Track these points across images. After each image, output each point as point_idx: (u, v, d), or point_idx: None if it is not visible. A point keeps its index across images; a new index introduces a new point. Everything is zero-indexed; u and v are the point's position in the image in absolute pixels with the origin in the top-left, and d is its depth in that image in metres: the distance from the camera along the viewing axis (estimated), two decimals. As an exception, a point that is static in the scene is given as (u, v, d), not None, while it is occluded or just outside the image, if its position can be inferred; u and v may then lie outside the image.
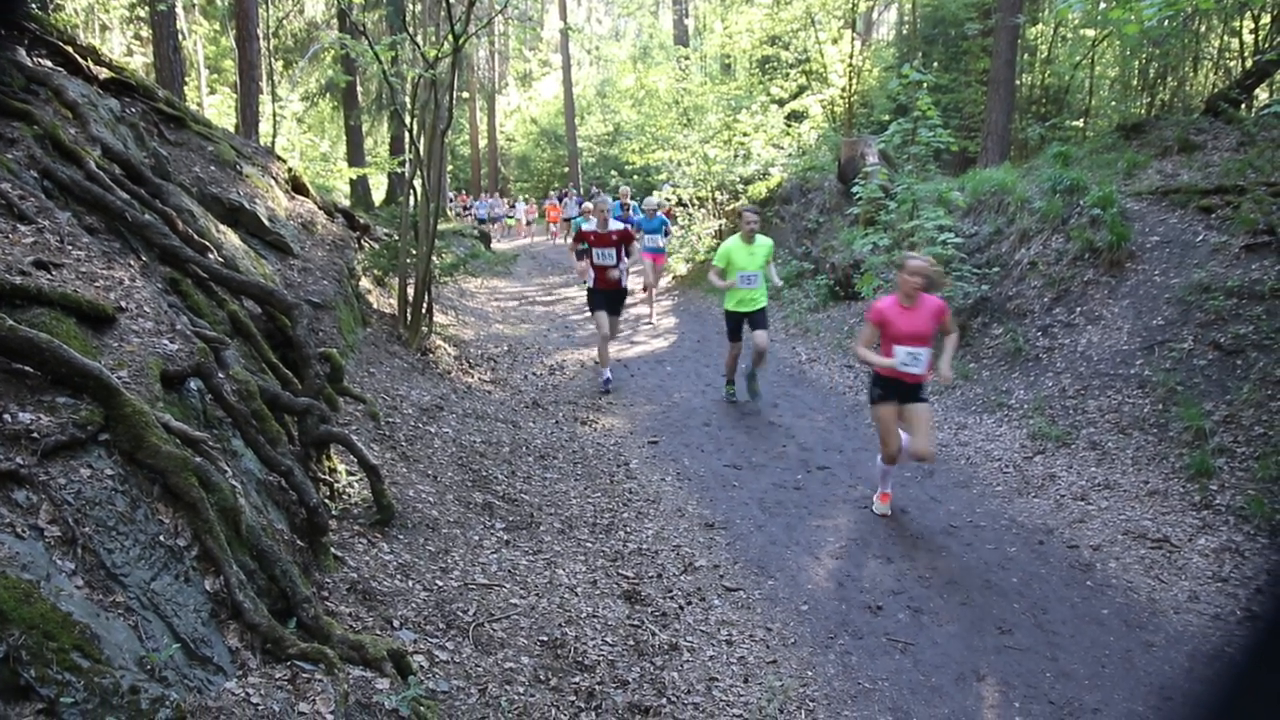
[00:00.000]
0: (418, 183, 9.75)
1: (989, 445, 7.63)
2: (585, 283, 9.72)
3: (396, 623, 3.91)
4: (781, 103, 19.76)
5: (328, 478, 4.96)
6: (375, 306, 9.78)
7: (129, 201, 4.76)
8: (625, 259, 9.56)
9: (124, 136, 5.98)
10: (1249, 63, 12.21)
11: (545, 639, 4.22)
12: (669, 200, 20.28)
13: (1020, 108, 16.89)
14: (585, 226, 9.59)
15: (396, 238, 10.88)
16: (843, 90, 19.73)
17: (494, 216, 33.99)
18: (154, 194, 5.32)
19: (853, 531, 6.10)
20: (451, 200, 36.20)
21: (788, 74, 21.57)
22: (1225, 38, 14.51)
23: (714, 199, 18.80)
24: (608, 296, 9.58)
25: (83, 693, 2.14)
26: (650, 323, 14.19)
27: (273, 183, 8.87)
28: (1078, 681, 4.30)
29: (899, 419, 6.03)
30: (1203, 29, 14.35)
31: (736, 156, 18.49)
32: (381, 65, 9.77)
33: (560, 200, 32.07)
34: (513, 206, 36.29)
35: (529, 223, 33.45)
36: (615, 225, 9.52)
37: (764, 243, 8.68)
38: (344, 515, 4.79)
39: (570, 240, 9.56)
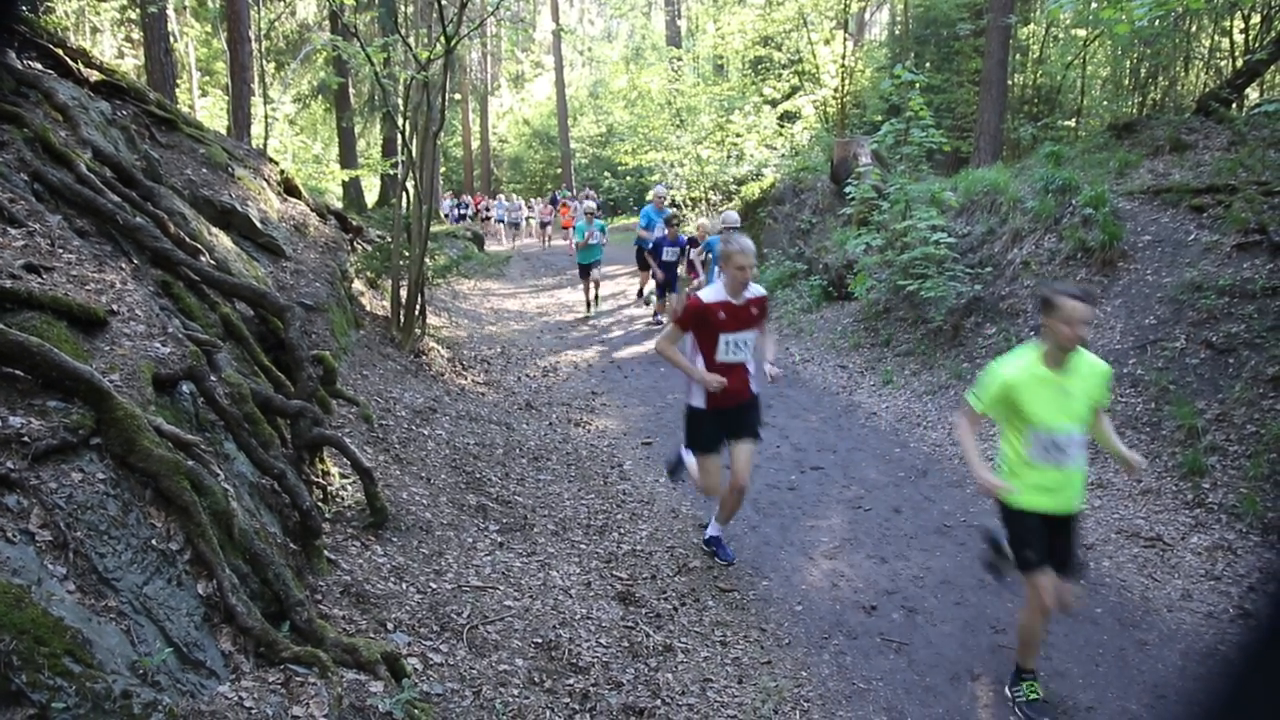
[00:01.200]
0: (410, 184, 9.74)
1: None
2: (691, 399, 5.46)
3: (390, 625, 3.90)
4: (774, 103, 19.82)
5: (321, 481, 4.95)
6: (368, 309, 9.77)
7: (120, 204, 4.74)
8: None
9: (115, 139, 5.96)
10: (1239, 62, 12.26)
11: (539, 641, 4.22)
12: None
13: (1012, 108, 16.93)
14: (708, 297, 5.15)
15: (389, 239, 10.87)
16: (835, 91, 19.79)
17: (514, 220, 31.02)
18: (145, 197, 5.30)
19: (846, 532, 6.11)
20: (467, 204, 34.57)
21: (780, 75, 21.62)
22: (1216, 37, 14.58)
23: (707, 200, 18.82)
24: (730, 420, 5.32)
25: (74, 698, 2.13)
26: None
27: (265, 185, 8.85)
28: (1072, 680, 4.31)
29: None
30: (1193, 29, 14.40)
31: (729, 157, 18.56)
32: (374, 67, 9.77)
33: (572, 201, 28.79)
34: (531, 208, 33.16)
35: (545, 225, 30.32)
36: (755, 290, 5.17)
37: (1093, 367, 4.02)
38: (337, 518, 4.78)
39: (668, 319, 5.56)
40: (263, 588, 3.27)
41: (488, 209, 33.67)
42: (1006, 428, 4.15)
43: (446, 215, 31.44)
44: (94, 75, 6.65)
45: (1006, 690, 4.17)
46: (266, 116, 18.20)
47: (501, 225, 31.03)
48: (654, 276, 12.79)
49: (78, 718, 2.12)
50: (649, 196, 13.18)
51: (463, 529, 5.33)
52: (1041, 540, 3.97)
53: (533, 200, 36.00)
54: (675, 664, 4.34)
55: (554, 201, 31.76)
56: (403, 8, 25.22)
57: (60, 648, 2.20)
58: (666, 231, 12.16)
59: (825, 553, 5.78)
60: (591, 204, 15.91)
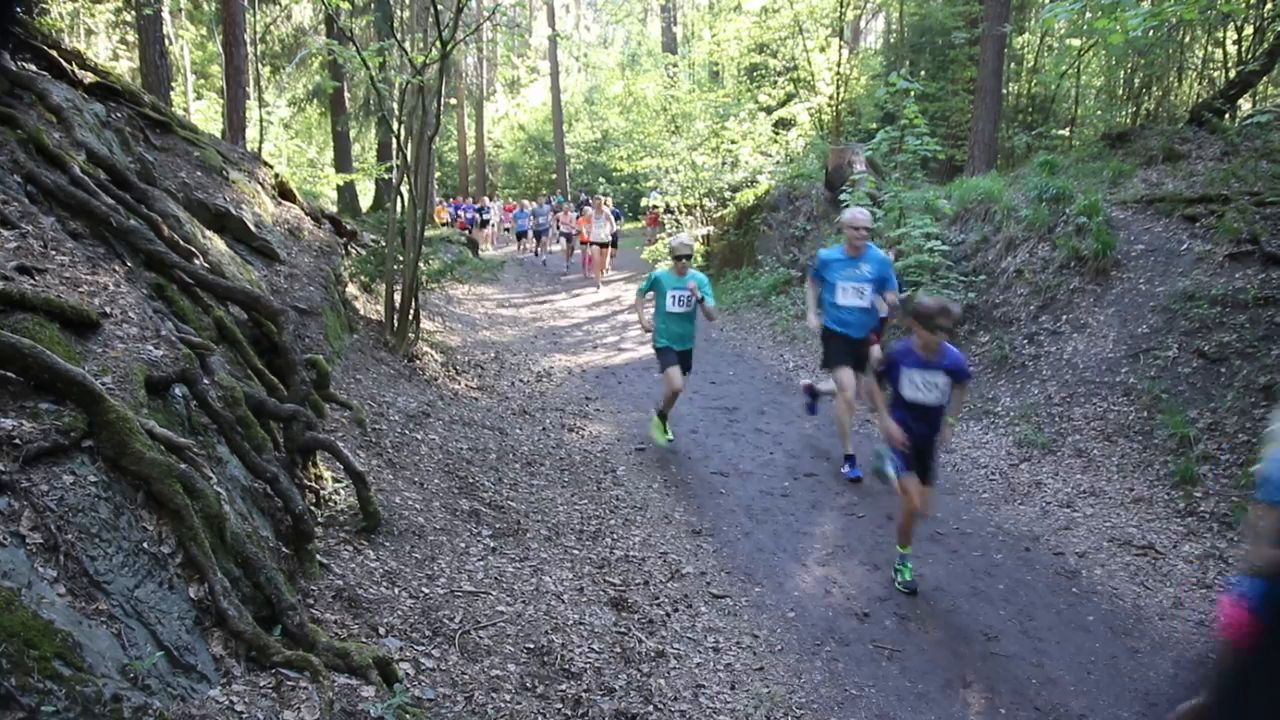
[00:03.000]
0: (405, 189, 9.73)
1: (975, 452, 7.65)
2: None
3: (382, 630, 3.89)
4: (769, 110, 19.84)
5: (313, 484, 4.93)
6: (362, 313, 9.75)
7: (114, 207, 4.73)
8: None
9: (109, 141, 5.95)
10: (1232, 73, 12.32)
11: (532, 646, 4.21)
12: (656, 207, 20.21)
13: (1007, 116, 16.98)
14: None
15: (383, 244, 10.86)
16: (830, 98, 19.83)
17: (540, 228, 26.51)
18: (139, 199, 5.29)
19: (840, 538, 6.11)
20: (489, 211, 31.27)
21: (776, 82, 21.66)
22: (1209, 48, 14.65)
23: (702, 206, 18.84)
24: None
25: (64, 701, 2.12)
26: None
27: (259, 188, 8.84)
28: (1063, 688, 4.31)
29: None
30: (1187, 39, 14.47)
31: (724, 164, 18.55)
32: (369, 71, 9.76)
33: (582, 207, 23.46)
34: (557, 212, 26.54)
35: (568, 237, 24.00)
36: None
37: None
38: (330, 522, 4.76)
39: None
40: (254, 591, 3.26)
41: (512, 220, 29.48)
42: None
43: (451, 222, 29.54)
44: (88, 77, 6.63)
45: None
46: (261, 120, 18.15)
47: (522, 237, 27.72)
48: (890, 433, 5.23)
49: (67, 721, 2.11)
50: (844, 218, 7.34)
51: (455, 534, 5.32)
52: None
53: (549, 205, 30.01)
54: (668, 670, 4.34)
55: (582, 206, 25.60)
56: (399, 12, 25.28)
57: (50, 651, 2.19)
58: (917, 345, 5.06)
59: (818, 559, 5.78)
60: (686, 239, 7.88)
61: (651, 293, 7.96)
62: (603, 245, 19.72)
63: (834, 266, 7.13)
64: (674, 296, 7.67)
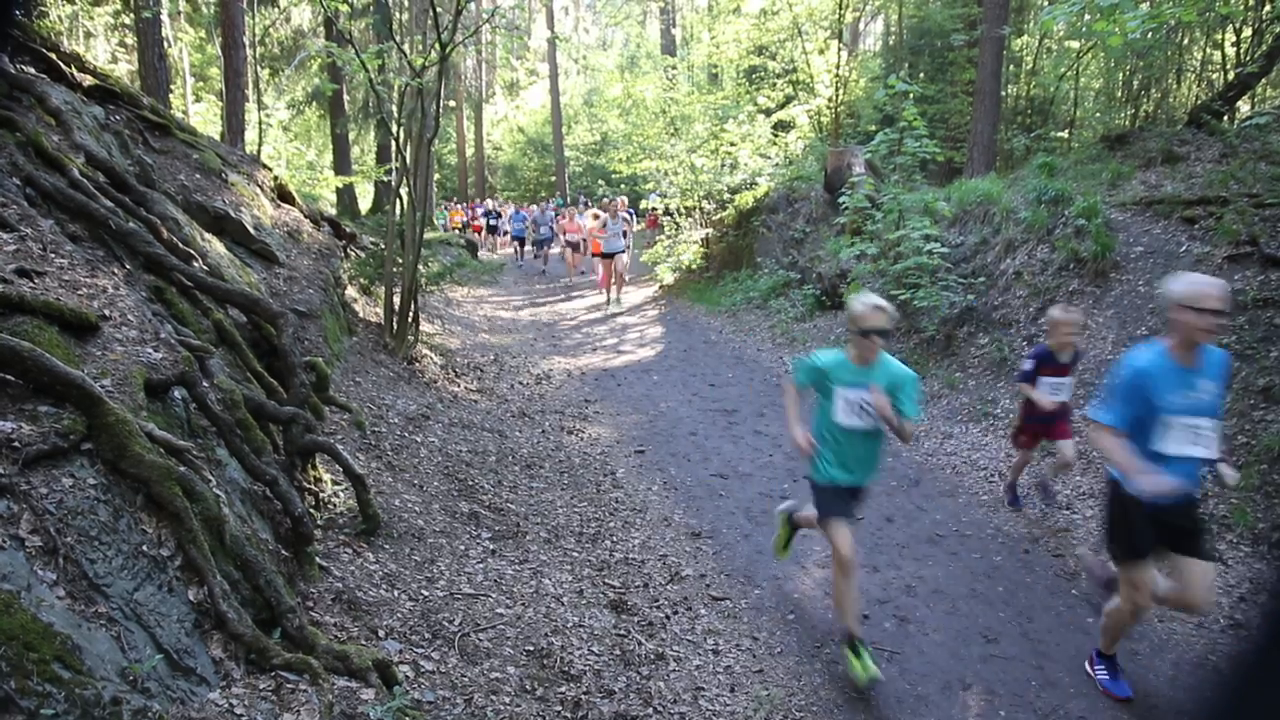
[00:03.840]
0: (404, 191, 9.73)
1: (974, 454, 7.65)
2: None
3: (382, 633, 3.89)
4: (768, 112, 19.84)
5: (313, 487, 4.93)
6: (361, 315, 9.75)
7: (113, 209, 4.74)
8: None
9: (108, 144, 5.95)
10: (1231, 75, 12.33)
11: (531, 649, 4.21)
12: (655, 209, 20.16)
13: (1006, 118, 16.99)
14: None
15: (383, 246, 10.86)
16: (829, 100, 19.83)
17: (541, 237, 23.91)
18: (138, 202, 5.29)
19: (839, 540, 6.10)
20: (496, 215, 29.05)
21: (775, 84, 21.66)
22: (1207, 50, 14.66)
23: (701, 209, 18.84)
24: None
25: (64, 704, 2.12)
26: None
27: (258, 191, 8.83)
28: (1063, 690, 4.31)
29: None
30: (1185, 42, 14.49)
31: (724, 166, 18.54)
32: (368, 73, 9.76)
33: (584, 210, 21.01)
34: (562, 219, 22.62)
35: (574, 247, 20.82)
36: None
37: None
38: (329, 525, 4.76)
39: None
40: (254, 594, 3.26)
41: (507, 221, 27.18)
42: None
43: (465, 225, 28.31)
44: (87, 80, 6.63)
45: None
46: (260, 122, 18.15)
47: (519, 241, 25.80)
48: None
49: (66, 725, 2.10)
50: (1178, 292, 4.22)
51: (455, 536, 5.32)
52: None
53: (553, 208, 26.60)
54: (667, 672, 4.34)
55: (584, 208, 23.01)
56: (398, 14, 25.28)
57: (50, 654, 2.18)
58: None
59: (817, 561, 5.78)
60: (884, 304, 4.37)
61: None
62: (614, 255, 16.84)
63: (1161, 383, 4.07)
64: (849, 402, 4.42)
